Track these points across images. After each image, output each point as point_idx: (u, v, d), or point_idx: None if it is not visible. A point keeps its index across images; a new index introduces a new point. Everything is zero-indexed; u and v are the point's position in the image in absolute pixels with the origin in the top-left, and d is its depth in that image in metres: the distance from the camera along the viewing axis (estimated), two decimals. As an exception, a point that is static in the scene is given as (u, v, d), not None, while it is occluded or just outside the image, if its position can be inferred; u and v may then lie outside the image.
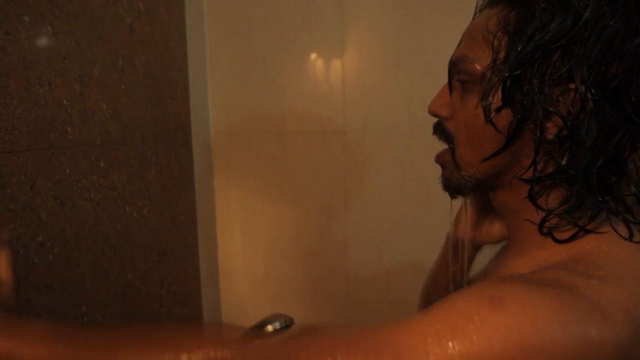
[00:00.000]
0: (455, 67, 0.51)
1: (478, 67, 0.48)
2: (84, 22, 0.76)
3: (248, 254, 1.22)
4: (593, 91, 0.43)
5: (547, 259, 0.48)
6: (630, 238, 0.47)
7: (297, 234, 1.19)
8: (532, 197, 0.48)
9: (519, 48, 0.44)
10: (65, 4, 0.72)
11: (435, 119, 0.55)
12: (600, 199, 0.46)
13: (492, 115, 0.47)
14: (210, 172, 1.21)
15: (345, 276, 1.18)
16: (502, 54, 0.46)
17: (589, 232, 0.47)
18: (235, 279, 1.24)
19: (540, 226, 0.48)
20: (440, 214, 1.14)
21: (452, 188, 0.54)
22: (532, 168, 0.47)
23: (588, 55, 0.42)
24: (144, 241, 0.93)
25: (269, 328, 1.04)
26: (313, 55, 1.13)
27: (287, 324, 1.06)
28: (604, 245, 0.46)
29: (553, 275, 0.43)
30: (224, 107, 1.19)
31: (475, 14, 0.53)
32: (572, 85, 0.44)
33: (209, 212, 1.20)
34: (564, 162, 0.46)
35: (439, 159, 0.56)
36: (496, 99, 0.47)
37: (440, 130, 0.54)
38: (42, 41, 0.68)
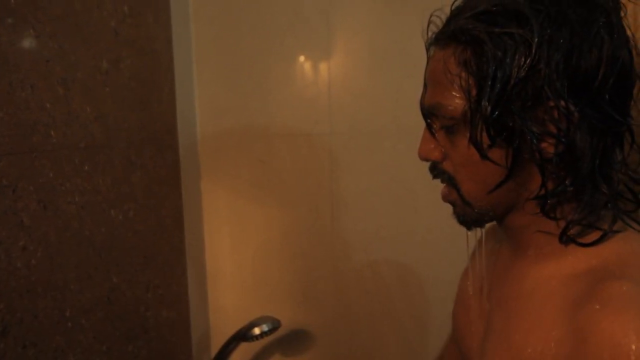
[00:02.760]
0: (432, 114, 0.52)
1: (456, 110, 0.48)
2: (67, 25, 0.76)
3: (235, 256, 1.22)
4: (572, 101, 0.44)
5: (576, 265, 0.49)
6: None
7: (285, 236, 1.19)
8: (548, 214, 0.49)
9: (488, 91, 0.45)
10: (48, 7, 0.72)
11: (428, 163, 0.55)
12: (609, 194, 0.47)
13: (487, 152, 0.47)
14: (197, 175, 1.21)
15: (333, 278, 1.18)
16: (474, 92, 0.47)
17: (615, 232, 0.48)
18: (223, 281, 1.23)
19: (562, 236, 0.49)
20: (426, 216, 1.15)
21: (469, 222, 0.54)
22: (543, 188, 0.48)
23: (555, 71, 0.44)
24: (130, 244, 0.92)
25: (257, 330, 1.05)
26: (299, 59, 1.13)
27: (275, 326, 1.06)
28: (628, 244, 0.48)
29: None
30: (211, 110, 1.19)
31: (428, 55, 0.54)
32: (552, 103, 0.45)
33: (196, 214, 1.20)
34: (570, 177, 0.47)
35: (446, 198, 0.56)
36: (485, 138, 0.47)
37: (438, 172, 0.54)
38: (25, 44, 0.68)
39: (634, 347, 0.38)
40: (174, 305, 1.09)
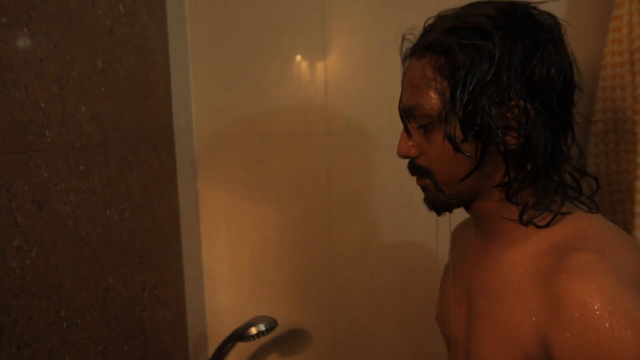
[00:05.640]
0: (410, 114, 0.60)
1: (433, 109, 0.56)
2: (61, 24, 0.76)
3: (232, 256, 1.22)
4: (528, 101, 0.53)
5: (540, 244, 0.56)
6: (593, 210, 0.59)
7: (281, 235, 1.19)
8: (510, 198, 0.57)
9: (459, 92, 0.54)
10: (41, 6, 0.71)
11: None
12: (558, 180, 0.57)
13: (459, 146, 0.56)
14: (194, 175, 1.20)
15: (330, 277, 1.18)
16: (447, 94, 0.55)
17: (565, 213, 0.57)
18: (220, 281, 1.23)
19: (520, 217, 0.57)
20: (422, 215, 1.15)
21: (439, 207, 0.62)
22: (506, 176, 0.56)
23: (514, 76, 0.53)
24: (125, 244, 0.92)
25: (253, 330, 1.04)
26: (296, 59, 1.13)
27: (272, 325, 1.06)
28: (581, 222, 0.56)
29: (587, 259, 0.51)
30: (207, 110, 1.19)
31: (404, 64, 0.62)
32: (513, 102, 0.54)
33: (192, 214, 1.19)
34: (530, 165, 0.56)
35: (421, 183, 0.63)
36: (458, 133, 0.56)
37: (415, 168, 0.62)
38: (18, 43, 0.68)
39: (596, 305, 0.47)
40: (170, 305, 1.08)
